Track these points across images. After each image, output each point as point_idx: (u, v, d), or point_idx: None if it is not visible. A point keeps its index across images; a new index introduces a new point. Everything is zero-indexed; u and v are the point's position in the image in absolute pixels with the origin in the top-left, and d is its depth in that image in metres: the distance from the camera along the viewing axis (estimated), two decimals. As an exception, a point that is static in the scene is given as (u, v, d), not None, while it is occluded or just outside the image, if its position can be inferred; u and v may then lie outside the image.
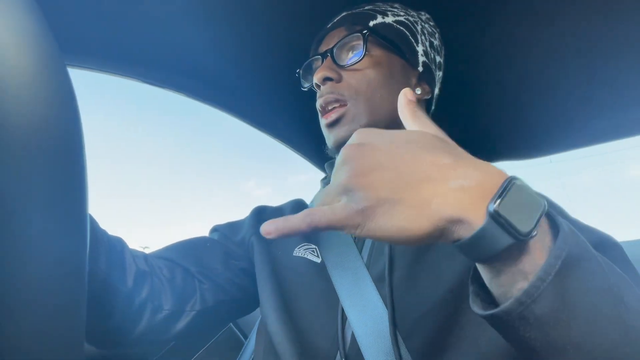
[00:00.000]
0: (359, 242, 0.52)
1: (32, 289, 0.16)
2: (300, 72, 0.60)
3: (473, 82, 0.77)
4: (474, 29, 0.65)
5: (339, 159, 0.28)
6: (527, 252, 0.24)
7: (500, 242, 0.23)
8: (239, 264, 0.57)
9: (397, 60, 0.54)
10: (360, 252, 0.50)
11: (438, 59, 0.58)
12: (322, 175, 0.66)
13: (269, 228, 0.26)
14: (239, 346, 0.82)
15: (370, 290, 0.45)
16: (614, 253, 0.40)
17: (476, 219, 0.24)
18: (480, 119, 0.86)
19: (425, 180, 0.25)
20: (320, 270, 0.51)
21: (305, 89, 0.61)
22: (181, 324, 0.49)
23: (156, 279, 0.47)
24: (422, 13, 0.60)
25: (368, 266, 0.48)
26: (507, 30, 0.65)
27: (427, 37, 0.57)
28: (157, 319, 0.46)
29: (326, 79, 0.52)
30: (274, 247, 0.57)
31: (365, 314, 0.43)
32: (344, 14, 0.57)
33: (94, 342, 0.43)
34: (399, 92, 0.51)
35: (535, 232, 0.23)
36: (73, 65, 0.59)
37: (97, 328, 0.42)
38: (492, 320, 0.26)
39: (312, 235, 0.55)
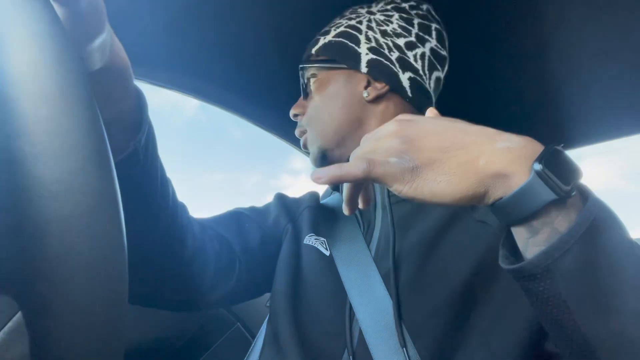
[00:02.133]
0: (368, 236, 0.51)
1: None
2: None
3: (474, 78, 0.76)
4: (476, 24, 0.65)
5: (385, 131, 0.30)
6: (564, 211, 0.25)
7: (544, 197, 0.25)
8: (272, 248, 0.57)
9: (340, 74, 0.55)
10: (369, 246, 0.50)
11: (402, 41, 0.55)
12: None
13: (319, 173, 0.29)
14: (246, 346, 0.82)
15: (379, 286, 0.44)
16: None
17: (521, 175, 0.26)
18: (479, 117, 0.85)
19: (473, 142, 0.27)
20: (329, 264, 0.50)
21: None
22: (212, 298, 0.50)
23: (206, 252, 0.49)
24: (373, 5, 0.59)
25: (376, 261, 0.47)
26: (510, 26, 0.64)
27: (378, 28, 0.55)
28: (198, 289, 0.48)
29: (295, 115, 0.59)
30: (295, 237, 0.57)
31: (374, 310, 0.43)
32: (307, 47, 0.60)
33: (138, 300, 0.45)
34: (346, 104, 0.55)
35: (574, 192, 0.25)
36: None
37: (143, 288, 0.43)
38: (519, 274, 0.27)
39: (324, 227, 0.56)
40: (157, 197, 0.39)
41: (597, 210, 0.25)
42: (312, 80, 0.57)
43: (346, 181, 0.28)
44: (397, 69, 0.54)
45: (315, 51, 0.57)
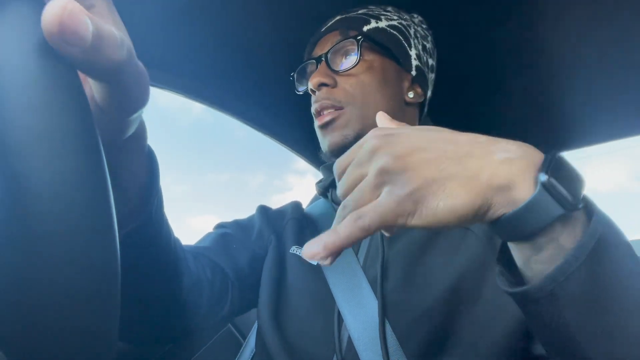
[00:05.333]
0: (355, 245, 0.50)
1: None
2: (295, 75, 0.60)
3: (469, 83, 0.77)
4: (469, 30, 0.65)
5: (364, 151, 0.26)
6: (570, 227, 0.24)
7: (552, 212, 0.22)
8: (259, 264, 0.56)
9: (391, 65, 0.54)
10: (357, 253, 0.50)
11: (431, 61, 0.59)
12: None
13: (314, 249, 0.23)
14: (237, 346, 0.82)
15: (367, 293, 0.44)
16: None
17: (526, 189, 0.23)
18: (477, 120, 0.86)
19: (469, 155, 0.24)
20: (316, 272, 0.50)
21: (300, 93, 0.61)
22: (207, 324, 0.48)
23: (201, 284, 0.46)
24: (415, 16, 0.60)
25: (364, 268, 0.47)
26: (503, 30, 0.64)
27: (420, 41, 0.57)
28: (192, 322, 0.46)
29: (321, 85, 0.52)
30: (279, 248, 0.57)
31: (362, 316, 0.43)
32: (338, 17, 0.57)
33: (128, 339, 0.42)
34: (392, 97, 0.53)
35: (581, 204, 0.23)
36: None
37: (137, 325, 0.40)
38: (522, 298, 0.25)
39: (309, 237, 0.54)
40: (164, 252, 0.38)
41: (602, 226, 0.24)
42: (354, 55, 0.52)
43: (348, 246, 0.24)
44: (429, 83, 0.58)
45: (368, 31, 0.53)
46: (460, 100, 0.81)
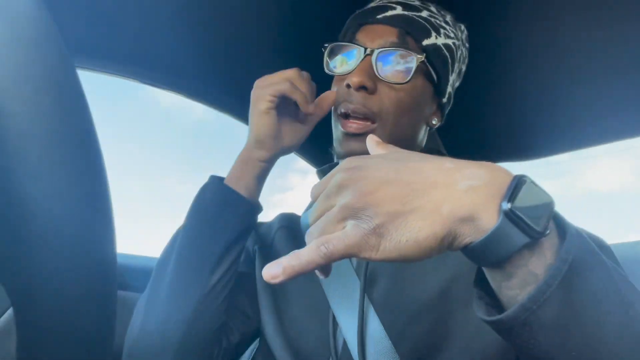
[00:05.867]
0: None
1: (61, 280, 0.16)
2: (328, 48, 0.53)
3: (469, 83, 0.76)
4: (474, 30, 0.65)
5: (332, 184, 0.26)
6: (538, 252, 0.23)
7: (516, 241, 0.22)
8: (253, 286, 0.55)
9: (429, 88, 0.52)
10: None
11: (457, 84, 0.56)
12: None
13: (273, 271, 0.24)
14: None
15: (360, 296, 0.44)
16: (605, 255, 0.40)
17: (489, 218, 0.23)
18: (477, 121, 0.86)
19: (433, 186, 0.24)
20: (310, 275, 0.49)
21: (329, 72, 0.54)
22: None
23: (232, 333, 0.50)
24: (463, 29, 0.56)
25: (357, 271, 0.47)
26: (507, 31, 0.64)
27: (460, 65, 0.55)
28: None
29: (361, 87, 0.47)
30: (271, 257, 0.56)
31: (356, 319, 0.43)
32: (399, 10, 0.51)
33: None
34: (420, 121, 0.53)
35: (548, 230, 0.23)
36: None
37: None
38: (496, 326, 0.25)
39: (301, 244, 0.53)
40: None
41: (575, 248, 0.23)
42: (406, 72, 0.48)
43: (308, 271, 0.25)
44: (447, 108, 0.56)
45: (426, 46, 0.49)
46: (461, 100, 0.81)
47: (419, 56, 0.48)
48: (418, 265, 0.44)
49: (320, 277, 0.31)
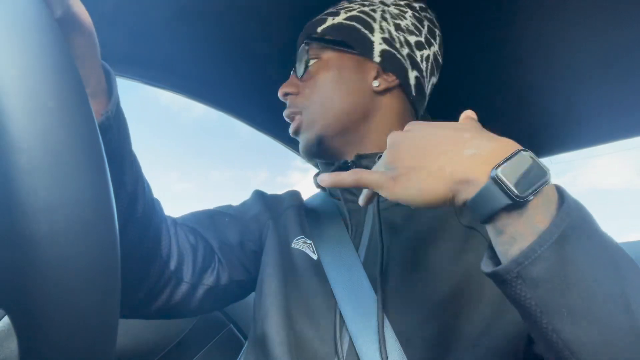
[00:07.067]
0: (356, 240, 0.50)
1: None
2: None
3: (473, 79, 0.76)
4: (476, 25, 0.65)
5: (388, 142, 0.35)
6: (526, 216, 0.27)
7: (499, 201, 0.27)
8: (251, 245, 0.55)
9: (350, 58, 0.54)
10: (357, 249, 0.48)
11: (413, 39, 0.55)
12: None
13: (325, 178, 0.36)
14: (239, 347, 0.81)
15: (368, 292, 0.43)
16: None
17: (481, 181, 0.28)
18: (478, 120, 0.86)
19: (444, 152, 0.30)
20: (317, 268, 0.48)
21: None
22: (194, 298, 0.48)
23: (182, 248, 0.47)
24: None
25: (365, 266, 0.46)
26: (508, 27, 0.64)
27: (391, 21, 0.55)
28: (177, 293, 0.46)
29: (286, 94, 0.56)
30: (280, 236, 0.55)
31: (363, 317, 0.42)
32: (307, 24, 0.57)
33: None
34: (353, 91, 0.53)
35: (531, 197, 0.26)
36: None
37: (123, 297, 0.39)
38: (494, 277, 0.29)
39: (309, 228, 0.54)
40: (128, 176, 0.38)
41: (571, 217, 0.26)
42: (313, 60, 0.54)
43: (342, 185, 0.35)
44: (407, 65, 0.54)
45: (322, 30, 0.54)
46: (461, 100, 0.81)
47: (306, 41, 0.55)
48: (430, 263, 0.44)
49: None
